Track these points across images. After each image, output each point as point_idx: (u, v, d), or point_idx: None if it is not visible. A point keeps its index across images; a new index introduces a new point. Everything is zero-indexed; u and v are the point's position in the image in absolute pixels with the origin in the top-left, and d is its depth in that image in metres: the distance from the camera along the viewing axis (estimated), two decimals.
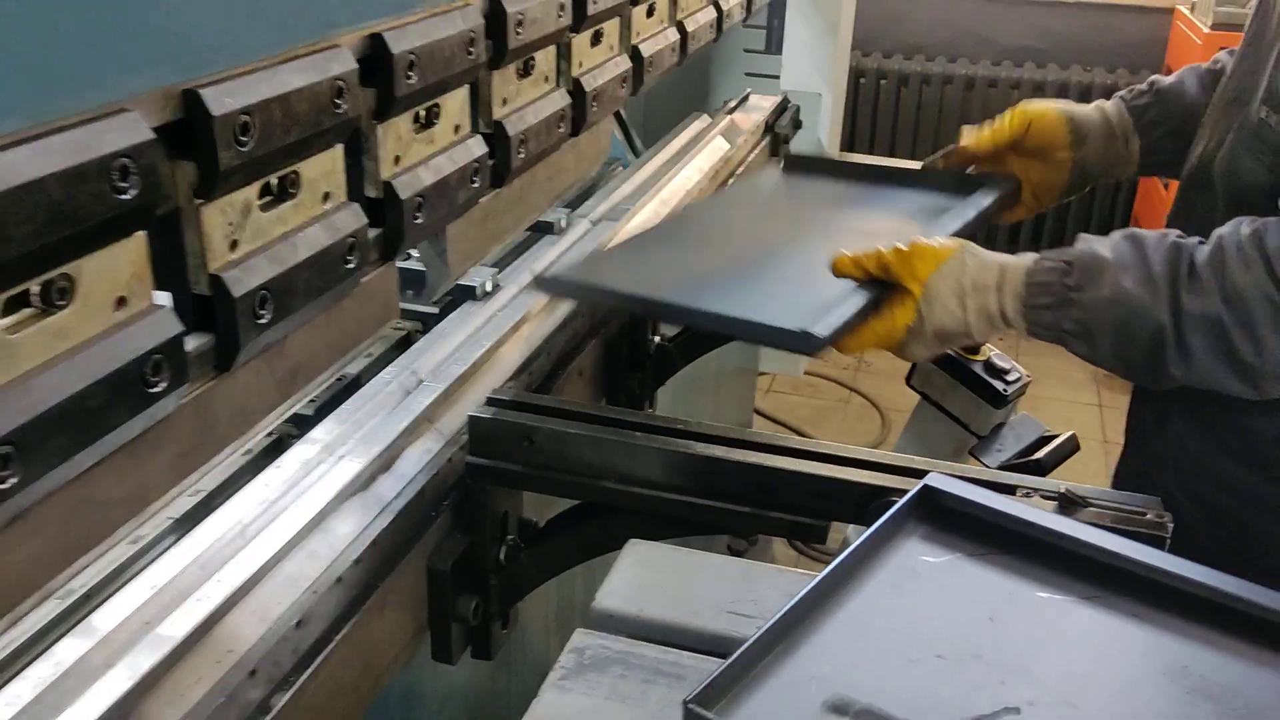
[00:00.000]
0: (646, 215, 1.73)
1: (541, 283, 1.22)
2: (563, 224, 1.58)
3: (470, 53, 1.03)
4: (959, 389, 1.59)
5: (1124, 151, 1.44)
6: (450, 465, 1.07)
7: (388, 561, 0.98)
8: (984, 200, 1.36)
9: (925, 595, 0.72)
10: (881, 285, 1.12)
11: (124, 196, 0.64)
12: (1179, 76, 1.46)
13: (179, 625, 0.79)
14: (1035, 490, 0.96)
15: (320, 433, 1.04)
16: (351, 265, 0.89)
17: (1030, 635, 0.68)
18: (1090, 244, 1.10)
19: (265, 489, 0.95)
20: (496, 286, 1.36)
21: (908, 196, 1.45)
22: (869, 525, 0.99)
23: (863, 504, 1.00)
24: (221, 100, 0.71)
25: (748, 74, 3.21)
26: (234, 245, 0.78)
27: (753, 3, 2.26)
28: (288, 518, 0.92)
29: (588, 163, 1.50)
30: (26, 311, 0.62)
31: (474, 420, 1.08)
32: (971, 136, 1.44)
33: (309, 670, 0.87)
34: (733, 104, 2.79)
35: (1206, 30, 3.36)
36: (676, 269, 1.24)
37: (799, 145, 2.94)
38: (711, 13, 1.88)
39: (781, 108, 2.87)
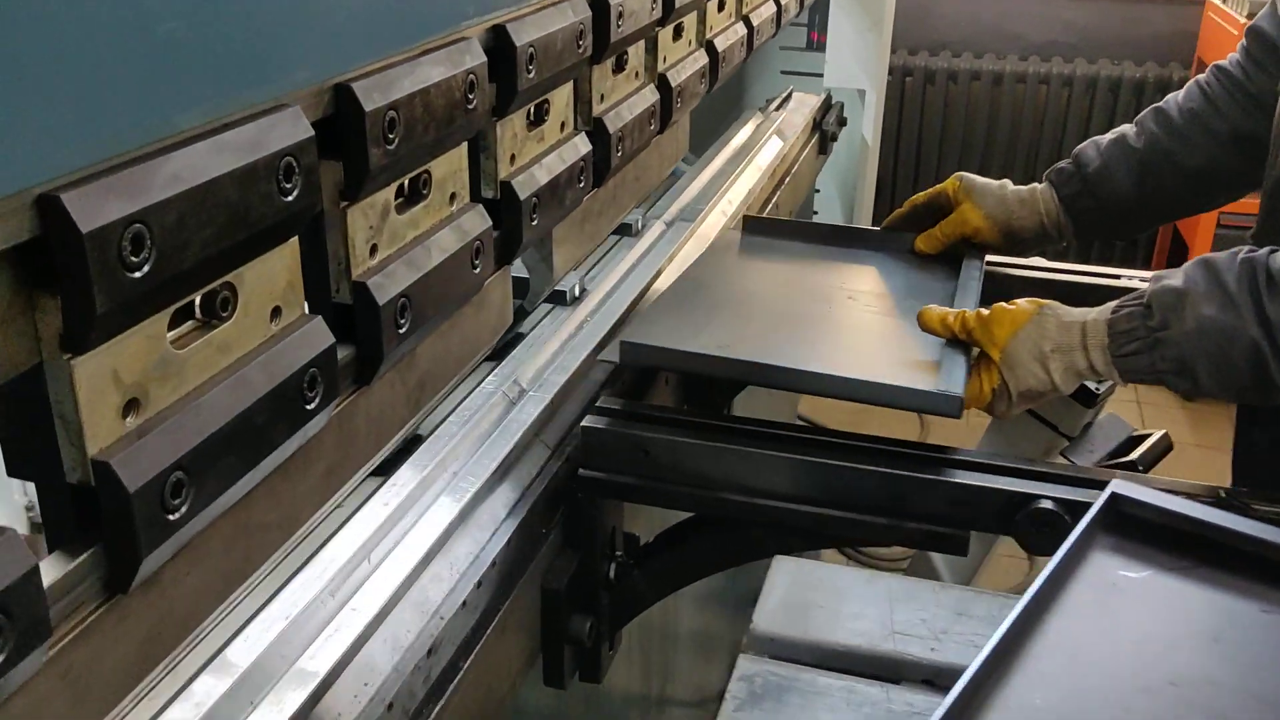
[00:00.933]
0: (715, 218, 1.68)
1: (629, 350, 1.14)
2: (639, 225, 1.53)
3: (580, 46, 1.00)
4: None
5: (1058, 236, 1.51)
6: (558, 478, 1.02)
7: (507, 582, 0.94)
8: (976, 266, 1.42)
9: (1135, 615, 0.67)
10: (966, 345, 1.15)
11: (288, 198, 0.60)
12: (1105, 157, 1.47)
13: (320, 660, 0.73)
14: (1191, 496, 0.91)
15: (432, 448, 0.99)
16: (478, 269, 0.86)
17: (1263, 658, 0.63)
18: (1163, 279, 1.08)
19: (385, 508, 0.89)
20: (584, 290, 1.31)
21: (895, 258, 1.50)
22: (1015, 534, 0.94)
23: (1007, 512, 0.95)
24: (371, 95, 0.68)
25: (783, 72, 3.16)
26: (374, 250, 0.75)
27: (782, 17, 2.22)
28: (412, 540, 0.87)
29: (669, 161, 1.46)
30: (189, 324, 0.59)
31: (587, 431, 1.03)
32: (922, 243, 1.50)
33: (441, 700, 0.82)
34: (777, 102, 2.75)
35: (1243, 21, 3.31)
36: (756, 332, 1.22)
37: (843, 143, 2.89)
38: (772, 7, 1.86)
39: (826, 105, 2.82)
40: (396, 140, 0.70)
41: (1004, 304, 1.13)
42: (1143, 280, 1.48)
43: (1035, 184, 1.50)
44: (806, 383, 1.11)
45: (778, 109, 2.65)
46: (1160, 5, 4.06)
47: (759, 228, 1.57)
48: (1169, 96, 1.48)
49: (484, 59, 0.83)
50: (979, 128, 4.27)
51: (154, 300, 0.54)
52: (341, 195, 0.70)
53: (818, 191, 3.16)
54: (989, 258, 1.50)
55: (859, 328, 1.27)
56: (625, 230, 1.52)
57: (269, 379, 0.62)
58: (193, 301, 0.58)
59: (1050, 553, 0.88)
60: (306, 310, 0.69)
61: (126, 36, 0.50)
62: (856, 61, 2.83)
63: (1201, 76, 1.47)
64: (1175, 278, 1.07)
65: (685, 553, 1.11)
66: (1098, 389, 1.54)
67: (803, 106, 2.74)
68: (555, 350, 1.18)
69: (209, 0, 0.55)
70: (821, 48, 2.83)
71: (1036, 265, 1.52)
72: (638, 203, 1.40)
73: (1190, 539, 0.75)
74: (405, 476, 0.94)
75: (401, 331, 0.75)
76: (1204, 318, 1.04)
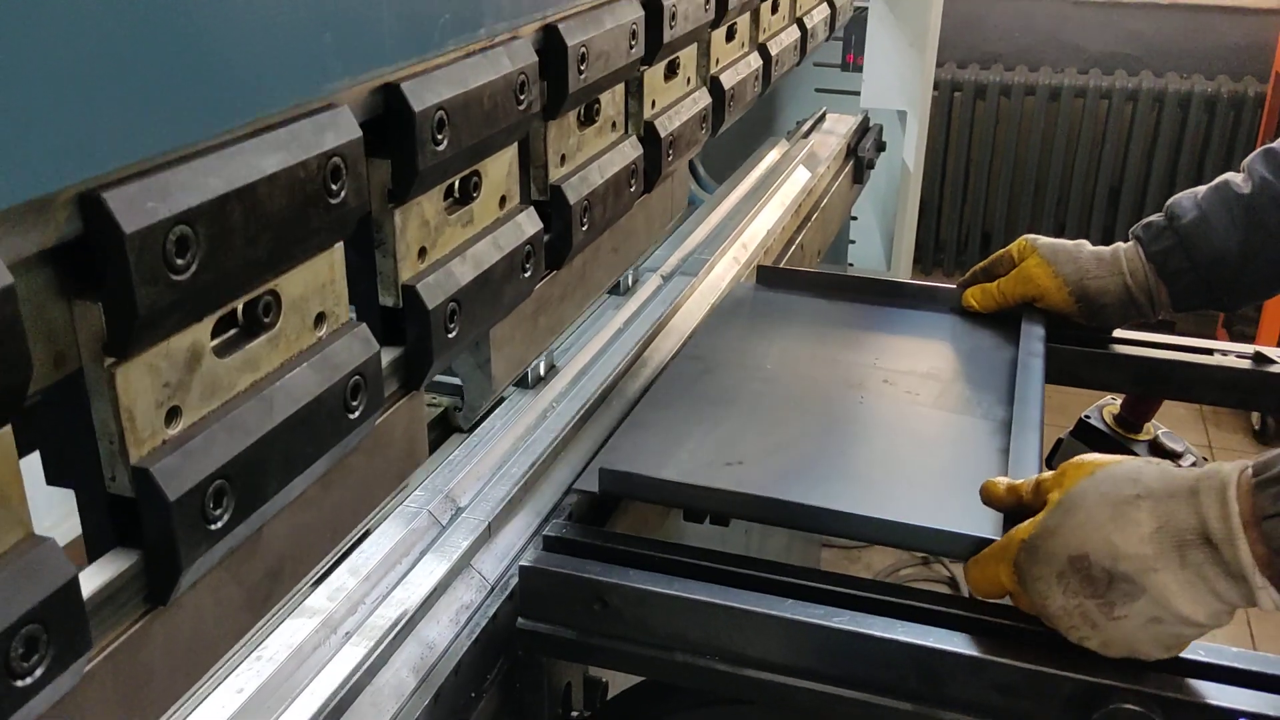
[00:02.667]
0: (725, 265, 1.45)
1: (609, 479, 0.93)
2: (629, 280, 1.30)
3: (632, 45, 0.97)
4: None
5: (1149, 305, 1.27)
6: (495, 623, 0.81)
7: None
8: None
9: None
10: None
11: (335, 200, 0.60)
12: (1203, 207, 1.25)
13: None
14: None
15: (325, 594, 0.76)
16: (528, 274, 0.85)
17: None
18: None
19: (256, 678, 0.67)
20: (552, 367, 1.08)
21: (938, 321, 1.31)
22: None
23: (1080, 708, 0.73)
24: (421, 95, 0.67)
25: (819, 90, 2.95)
26: (423, 253, 0.73)
27: (836, 19, 1.98)
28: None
29: (659, 222, 1.22)
30: (232, 332, 0.58)
31: (526, 572, 0.81)
32: (973, 295, 1.31)
33: None
34: (808, 125, 2.53)
35: None
36: (772, 442, 1.01)
37: (882, 169, 2.67)
38: (795, 32, 1.65)
39: (863, 128, 2.60)
40: (446, 141, 0.70)
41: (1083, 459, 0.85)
42: (1244, 355, 1.23)
43: (1119, 243, 1.29)
44: (828, 523, 0.90)
45: (808, 134, 2.43)
46: (1233, 14, 3.85)
47: (776, 280, 1.37)
48: None
49: (535, 59, 0.81)
50: (1033, 147, 4.04)
51: (198, 305, 0.54)
52: (390, 196, 0.69)
53: (854, 219, 2.93)
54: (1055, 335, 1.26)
55: (898, 429, 1.06)
56: (613, 287, 1.29)
57: (313, 387, 0.61)
58: (235, 307, 0.57)
59: None
60: (353, 315, 0.69)
61: (171, 31, 0.49)
62: (897, 80, 2.62)
63: None
64: None
65: None
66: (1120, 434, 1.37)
67: (837, 129, 2.52)
68: (505, 451, 0.96)
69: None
70: (858, 69, 2.60)
71: (1119, 338, 1.33)
72: (615, 278, 1.17)
73: None
74: (281, 639, 0.72)
75: (451, 337, 0.74)
76: None
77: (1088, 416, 1.39)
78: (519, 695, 0.85)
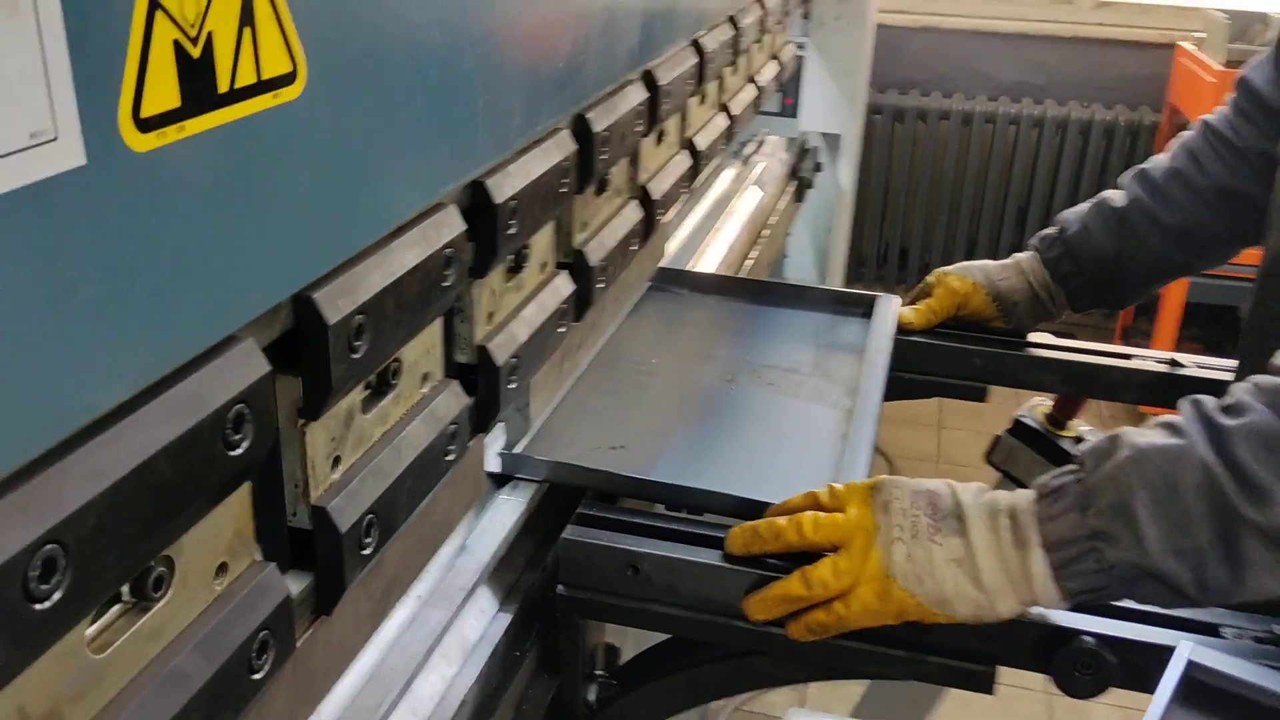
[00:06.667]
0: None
1: (510, 463, 1.08)
2: None
3: (564, 186, 0.93)
4: (1048, 467, 1.49)
5: (1052, 304, 1.48)
6: (534, 593, 0.95)
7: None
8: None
9: None
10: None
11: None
12: (1085, 220, 1.46)
13: None
14: (1243, 630, 0.88)
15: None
16: (452, 457, 0.79)
17: None
18: (1090, 441, 0.94)
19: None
20: None
21: (797, 316, 1.51)
22: (1053, 675, 0.87)
23: (1044, 650, 0.90)
24: (335, 303, 0.60)
25: (757, 111, 3.10)
26: (336, 462, 0.67)
27: (783, 71, 2.16)
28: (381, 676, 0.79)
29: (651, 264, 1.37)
30: (114, 612, 0.51)
31: (566, 545, 0.95)
32: (907, 314, 1.48)
33: None
34: (750, 148, 2.69)
35: (1219, 68, 3.32)
36: (644, 435, 1.18)
37: (818, 188, 2.84)
38: (752, 91, 1.81)
39: (801, 150, 2.78)
40: (364, 346, 0.64)
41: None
42: (1159, 360, 1.44)
43: (1018, 254, 1.51)
44: (677, 496, 1.06)
45: (751, 156, 2.59)
46: (1129, 48, 4.11)
47: (672, 280, 1.56)
48: (1153, 157, 1.49)
49: (463, 226, 0.75)
50: (948, 168, 4.29)
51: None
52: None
53: (789, 235, 3.11)
54: (982, 338, 1.46)
55: (758, 416, 1.24)
56: None
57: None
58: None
59: (1090, 695, 0.83)
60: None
61: (357, 177, 0.60)
62: (832, 105, 2.78)
63: (1187, 133, 1.47)
64: (1105, 436, 0.91)
65: (677, 678, 1.03)
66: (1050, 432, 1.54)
67: (778, 152, 2.69)
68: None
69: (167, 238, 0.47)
70: (793, 114, 2.77)
71: (1051, 344, 1.51)
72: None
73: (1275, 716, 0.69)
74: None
75: (366, 554, 0.69)
76: (1142, 445, 0.86)
77: (1022, 415, 1.57)
78: (555, 655, 0.98)
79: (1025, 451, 1.53)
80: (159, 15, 0.45)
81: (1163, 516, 0.83)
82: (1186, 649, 0.76)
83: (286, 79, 0.54)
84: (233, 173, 0.51)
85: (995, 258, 1.50)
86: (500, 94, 0.79)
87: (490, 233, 0.79)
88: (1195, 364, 1.42)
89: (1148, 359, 1.44)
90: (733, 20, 1.56)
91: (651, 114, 1.16)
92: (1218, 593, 0.83)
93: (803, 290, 1.57)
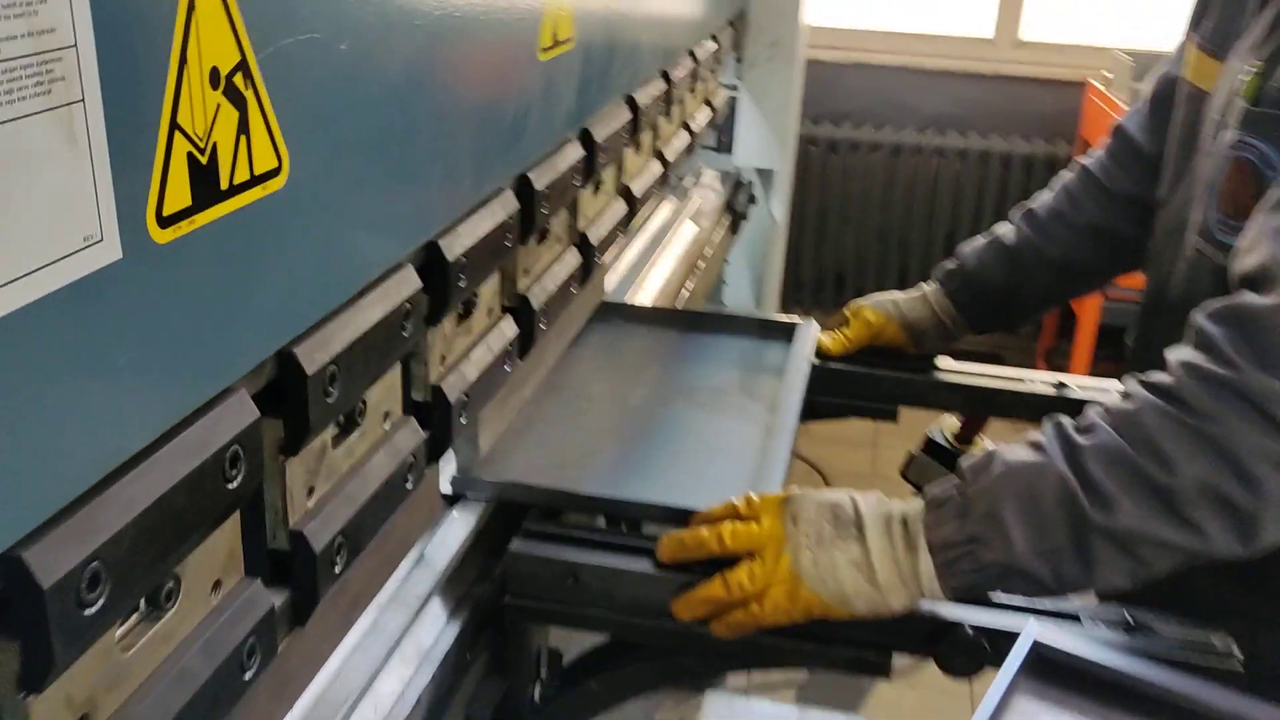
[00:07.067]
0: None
1: (461, 484, 1.18)
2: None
3: (508, 240, 1.03)
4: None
5: (955, 328, 1.62)
6: (484, 603, 1.07)
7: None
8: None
9: None
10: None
11: (233, 485, 0.64)
12: (980, 254, 1.61)
13: None
14: (1098, 618, 1.01)
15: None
16: (410, 485, 0.89)
17: None
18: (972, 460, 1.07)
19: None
20: None
21: (727, 342, 1.64)
22: (937, 658, 1.00)
23: (931, 638, 1.02)
24: (313, 356, 0.70)
25: (692, 153, 3.24)
26: (310, 492, 0.77)
27: (716, 115, 2.29)
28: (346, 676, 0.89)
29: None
30: (134, 619, 0.61)
31: (513, 557, 1.05)
32: (826, 341, 1.62)
33: None
34: (689, 181, 2.80)
35: (1124, 106, 3.51)
36: (583, 454, 1.29)
37: (753, 220, 2.97)
38: (685, 137, 1.91)
39: (736, 184, 2.89)
40: (337, 392, 0.73)
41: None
42: (1048, 383, 1.59)
43: (923, 284, 1.66)
44: (606, 509, 1.18)
45: (689, 190, 2.71)
46: (1044, 85, 4.32)
47: (613, 314, 1.68)
48: (1038, 194, 1.64)
49: (419, 284, 0.85)
50: (878, 197, 4.45)
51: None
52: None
53: (727, 263, 3.23)
54: (893, 363, 1.60)
55: (686, 433, 1.36)
56: None
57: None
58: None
59: (968, 675, 0.96)
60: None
61: (334, 244, 0.71)
62: (764, 143, 2.92)
63: (1067, 174, 1.62)
64: (984, 454, 1.04)
65: (613, 676, 1.14)
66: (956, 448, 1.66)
67: (715, 185, 2.81)
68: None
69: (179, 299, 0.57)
70: (730, 149, 2.90)
71: (956, 369, 1.65)
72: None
73: (1109, 686, 0.81)
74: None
75: (337, 571, 0.78)
76: (1011, 461, 1.00)
77: (932, 433, 1.70)
78: (503, 658, 1.08)
79: (935, 467, 1.65)
80: (177, 134, 0.56)
81: (1027, 523, 0.96)
82: (1034, 629, 0.87)
83: (274, 173, 0.65)
84: (231, 253, 0.62)
85: (926, 279, 1.66)
86: (451, 166, 0.90)
87: (443, 286, 0.89)
88: (1079, 386, 1.57)
89: (1037, 382, 1.59)
90: (665, 75, 1.69)
91: (589, 168, 1.27)
92: (1073, 586, 0.98)
93: (731, 319, 1.70)
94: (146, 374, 0.56)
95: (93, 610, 0.52)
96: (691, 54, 1.92)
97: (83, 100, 0.48)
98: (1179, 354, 1.00)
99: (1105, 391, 1.55)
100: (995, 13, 4.41)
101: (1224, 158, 1.18)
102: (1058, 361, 4.27)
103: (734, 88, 2.89)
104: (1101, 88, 3.98)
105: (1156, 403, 0.96)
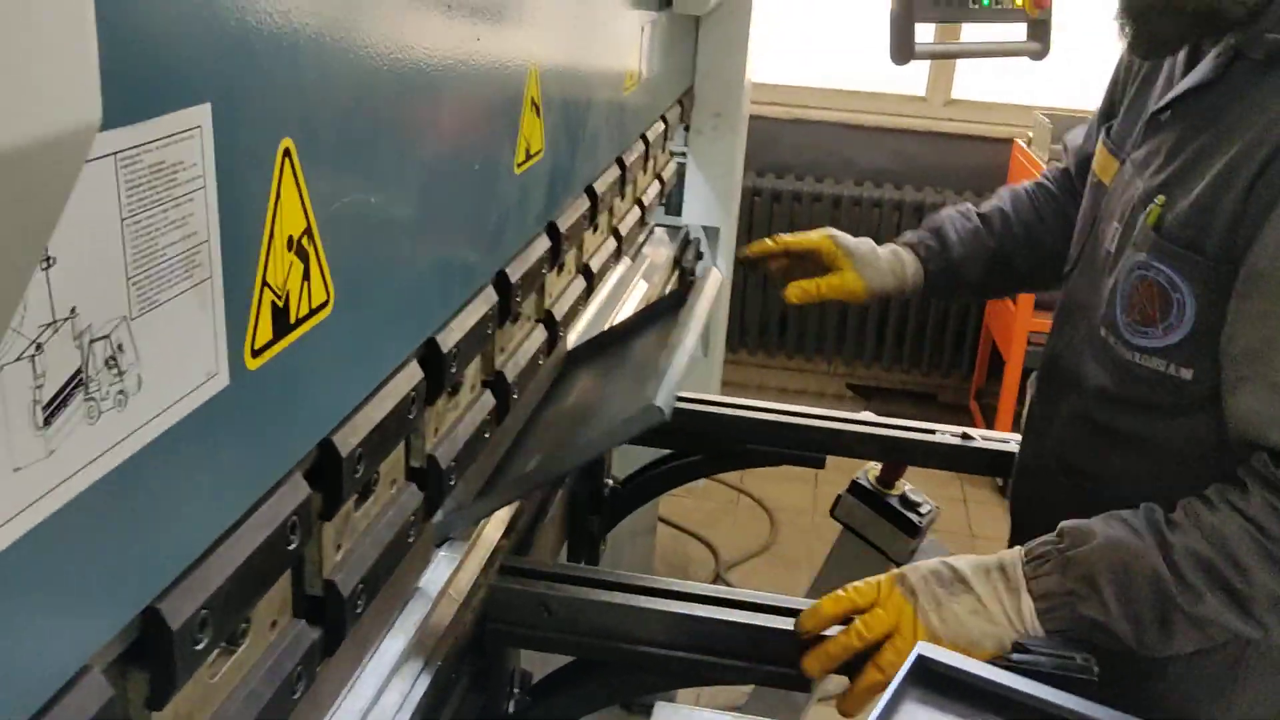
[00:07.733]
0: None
1: (442, 527, 1.29)
2: None
3: (489, 328, 1.21)
4: (879, 520, 1.81)
5: (908, 294, 1.75)
6: (465, 628, 1.22)
7: None
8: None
9: None
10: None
11: (292, 547, 0.80)
12: (967, 249, 1.74)
13: None
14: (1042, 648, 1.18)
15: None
16: (411, 539, 1.05)
17: None
18: (1069, 524, 1.23)
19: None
20: None
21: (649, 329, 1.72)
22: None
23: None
24: (346, 442, 0.88)
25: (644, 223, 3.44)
26: (338, 548, 0.93)
27: (666, 187, 2.49)
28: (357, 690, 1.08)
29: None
30: (216, 652, 0.75)
31: (495, 590, 1.24)
32: (794, 295, 1.75)
33: None
34: (642, 236, 2.99)
35: (1044, 164, 3.80)
36: (531, 451, 1.44)
37: (700, 274, 3.18)
38: (637, 212, 2.09)
39: (685, 241, 3.10)
40: (362, 470, 0.91)
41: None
42: (955, 435, 1.80)
43: (898, 249, 1.77)
44: (557, 466, 1.37)
45: (644, 244, 2.89)
46: (973, 141, 4.61)
47: (577, 353, 1.79)
48: (1012, 199, 1.81)
49: (421, 375, 1.02)
50: None
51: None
52: (319, 516, 0.90)
53: None
54: (822, 415, 1.81)
55: (618, 388, 1.50)
56: None
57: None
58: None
59: None
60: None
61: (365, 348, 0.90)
62: (710, 204, 3.13)
63: (1026, 182, 1.85)
64: (1081, 522, 1.22)
65: (578, 692, 1.32)
66: (919, 521, 1.81)
67: (665, 240, 3.00)
68: None
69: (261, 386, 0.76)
70: (679, 210, 3.11)
71: (876, 422, 1.83)
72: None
73: (981, 693, 1.00)
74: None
75: (358, 612, 0.94)
76: (1110, 537, 1.18)
77: (858, 477, 1.89)
78: (484, 677, 1.23)
79: (861, 508, 1.83)
80: (266, 289, 0.75)
81: (1120, 594, 1.16)
82: (921, 645, 1.03)
83: (324, 305, 0.84)
84: (295, 368, 0.81)
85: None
86: (447, 275, 1.11)
87: (439, 373, 1.07)
88: (982, 437, 1.80)
89: (946, 433, 1.81)
90: (620, 161, 1.89)
91: (554, 255, 1.48)
92: (1148, 649, 1.19)
93: (636, 316, 1.82)
94: (240, 467, 0.75)
95: (200, 646, 0.69)
96: (643, 136, 2.12)
97: (210, 278, 0.68)
98: (1257, 485, 1.16)
99: (1005, 442, 1.78)
100: (927, 73, 4.71)
101: (1135, 275, 1.29)
102: (987, 400, 4.54)
103: (683, 154, 3.11)
104: (1025, 146, 4.27)
105: (1241, 522, 1.15)
